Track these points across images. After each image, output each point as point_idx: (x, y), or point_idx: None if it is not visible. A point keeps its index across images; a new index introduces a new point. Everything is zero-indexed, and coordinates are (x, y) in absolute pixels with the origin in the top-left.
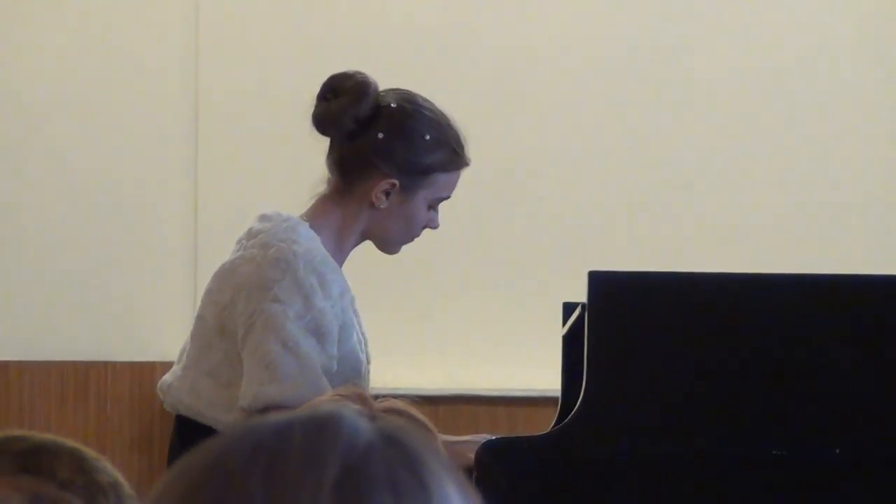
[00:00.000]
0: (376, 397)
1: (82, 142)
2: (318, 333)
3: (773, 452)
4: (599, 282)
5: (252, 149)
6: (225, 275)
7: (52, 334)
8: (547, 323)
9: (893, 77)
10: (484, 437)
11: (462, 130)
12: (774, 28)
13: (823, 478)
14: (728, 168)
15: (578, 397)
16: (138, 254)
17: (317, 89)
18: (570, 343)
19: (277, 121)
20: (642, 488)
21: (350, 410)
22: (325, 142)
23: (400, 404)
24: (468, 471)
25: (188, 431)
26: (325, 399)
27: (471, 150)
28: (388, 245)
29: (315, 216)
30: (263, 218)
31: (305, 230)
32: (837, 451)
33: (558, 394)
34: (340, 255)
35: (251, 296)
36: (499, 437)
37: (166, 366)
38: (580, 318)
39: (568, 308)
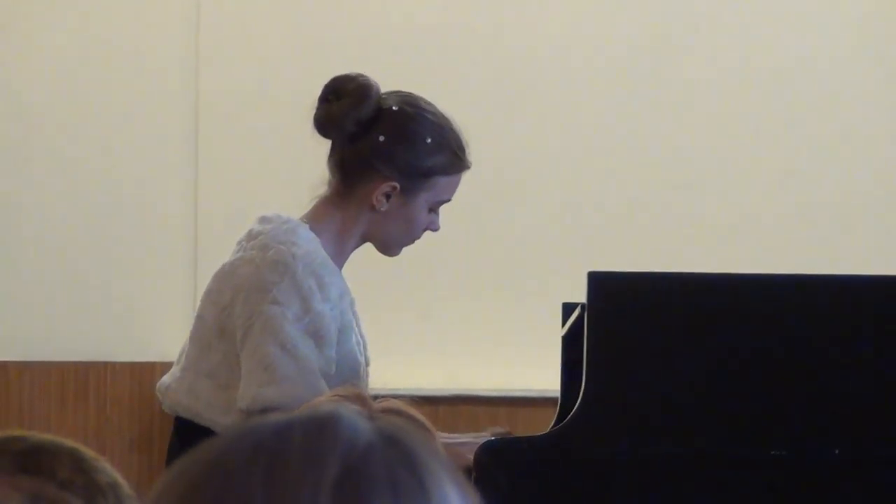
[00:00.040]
0: (375, 397)
1: (82, 142)
2: (317, 336)
3: (773, 452)
4: (599, 282)
5: (252, 149)
6: (224, 276)
7: (51, 334)
8: (547, 323)
9: (893, 77)
10: (483, 437)
11: (463, 133)
12: (774, 28)
13: (823, 478)
14: (728, 168)
15: (578, 397)
16: (138, 254)
17: (317, 90)
18: (570, 343)
19: (277, 121)
20: (642, 488)
21: (349, 411)
22: (325, 143)
23: (399, 404)
24: (467, 471)
25: (187, 433)
26: (325, 399)
27: (471, 151)
28: (389, 247)
29: (315, 218)
30: (263, 220)
31: (305, 232)
32: (837, 451)
33: (558, 394)
34: (341, 257)
35: (250, 297)
36: (498, 436)
37: (166, 366)
38: (580, 318)
39: (567, 308)
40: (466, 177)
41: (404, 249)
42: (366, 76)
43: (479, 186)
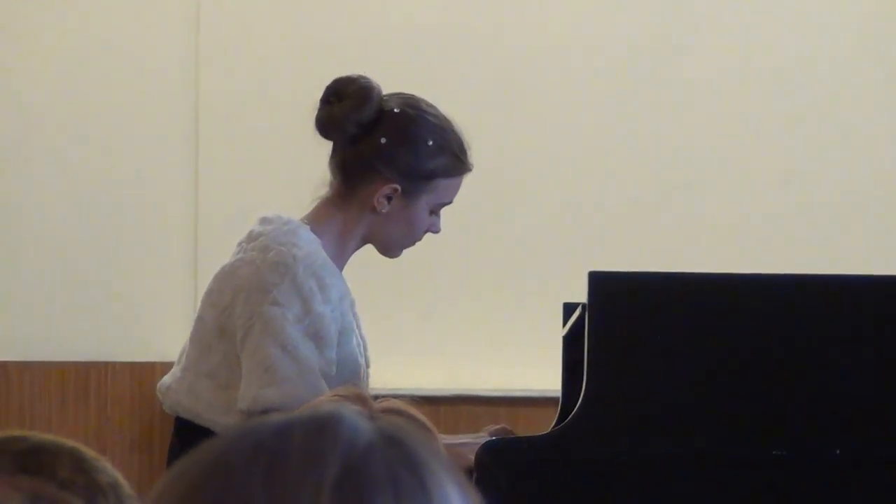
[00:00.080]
0: (376, 397)
1: (82, 142)
2: (317, 338)
3: (774, 452)
4: (600, 282)
5: (252, 150)
6: (225, 277)
7: (52, 335)
8: (547, 323)
9: (893, 77)
10: (483, 437)
11: (465, 135)
12: (774, 28)
13: (823, 478)
14: (728, 168)
15: (579, 397)
16: (139, 254)
17: (317, 90)
18: (571, 343)
19: (278, 122)
20: (642, 488)
21: (350, 411)
22: (325, 143)
23: (399, 404)
24: (468, 471)
25: (188, 433)
26: (325, 399)
27: (472, 153)
28: (390, 249)
29: (316, 219)
30: (264, 220)
31: (306, 234)
32: (837, 451)
33: (559, 394)
34: (341, 258)
35: (250, 298)
36: (498, 436)
37: (166, 366)
38: (580, 318)
39: (568, 308)
40: (467, 177)
41: (405, 250)
42: (367, 78)
43: (479, 186)
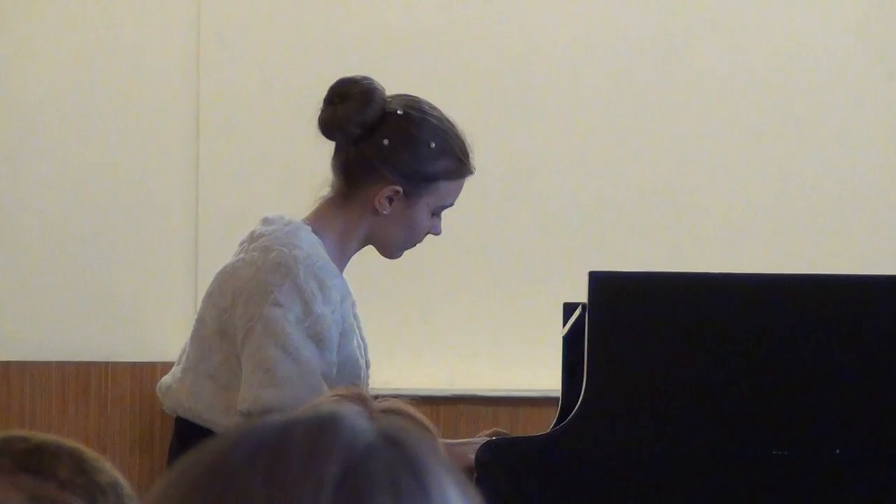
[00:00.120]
0: (376, 397)
1: (83, 142)
2: (318, 339)
3: (774, 452)
4: (600, 282)
5: (253, 150)
6: (226, 277)
7: (52, 335)
8: (547, 323)
9: (893, 77)
10: (483, 437)
11: (468, 138)
12: (774, 28)
13: (824, 477)
14: (728, 168)
15: (579, 398)
16: (139, 254)
17: (318, 90)
18: (571, 343)
19: (278, 122)
20: (642, 488)
21: (350, 411)
22: (325, 144)
23: (400, 404)
24: (469, 471)
25: (188, 433)
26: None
27: (474, 154)
28: (390, 251)
29: (318, 220)
30: (266, 221)
31: (307, 235)
32: (838, 450)
33: (559, 394)
34: (342, 259)
35: (251, 300)
36: (499, 437)
37: (167, 366)
38: (581, 318)
39: (568, 308)
40: (468, 177)
41: (405, 252)
42: (371, 79)
43: (479, 186)
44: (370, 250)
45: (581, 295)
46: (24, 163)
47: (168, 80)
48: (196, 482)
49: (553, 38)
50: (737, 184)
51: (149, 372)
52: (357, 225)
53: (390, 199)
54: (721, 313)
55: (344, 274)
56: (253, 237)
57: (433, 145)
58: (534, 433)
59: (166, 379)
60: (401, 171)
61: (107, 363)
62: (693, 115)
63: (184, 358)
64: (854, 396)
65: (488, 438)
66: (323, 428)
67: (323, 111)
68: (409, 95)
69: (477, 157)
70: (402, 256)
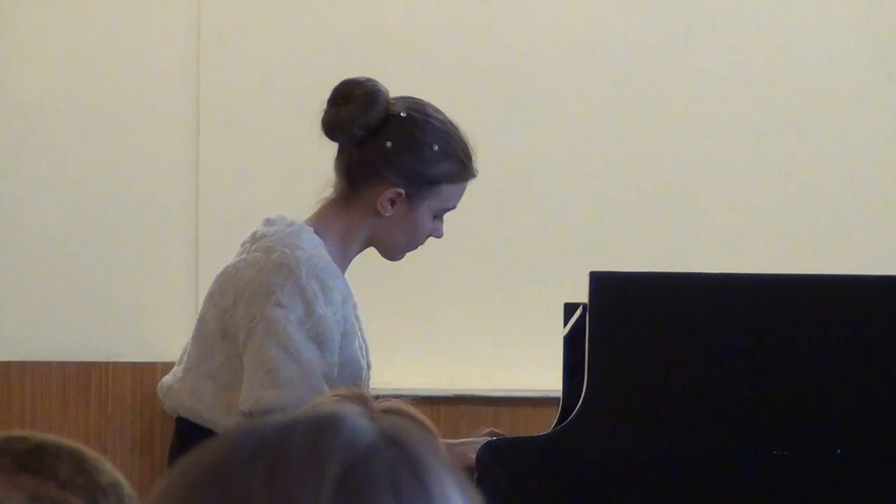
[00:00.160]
0: (377, 398)
1: (83, 142)
2: (319, 340)
3: (774, 452)
4: (601, 282)
5: (253, 150)
6: (227, 278)
7: (53, 335)
8: (548, 323)
9: (893, 77)
10: (484, 437)
11: (471, 141)
12: (775, 28)
13: (824, 477)
14: (729, 169)
15: (579, 398)
16: (139, 254)
17: (318, 90)
18: (572, 343)
19: (278, 122)
20: (643, 488)
21: (351, 411)
22: (326, 144)
23: (400, 404)
24: (469, 471)
25: (189, 433)
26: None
27: (476, 157)
28: (392, 252)
29: (320, 221)
30: (268, 222)
31: (309, 236)
32: (838, 450)
33: (559, 394)
34: (344, 260)
35: (253, 300)
36: (500, 437)
37: (167, 366)
38: (581, 318)
39: (569, 308)
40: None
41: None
42: (375, 81)
43: (480, 187)
44: (372, 251)
45: (582, 295)
46: (24, 163)
47: (168, 80)
48: (197, 482)
49: (553, 37)
50: (737, 184)
51: (149, 372)
52: (359, 226)
53: (392, 202)
54: (721, 313)
55: (345, 274)
56: (255, 238)
57: (436, 148)
58: (535, 433)
59: (167, 379)
60: (403, 173)
61: (107, 363)
62: (693, 115)
63: (185, 358)
64: (854, 396)
65: (489, 438)
66: (323, 428)
67: (326, 112)
68: (413, 98)
69: (479, 158)
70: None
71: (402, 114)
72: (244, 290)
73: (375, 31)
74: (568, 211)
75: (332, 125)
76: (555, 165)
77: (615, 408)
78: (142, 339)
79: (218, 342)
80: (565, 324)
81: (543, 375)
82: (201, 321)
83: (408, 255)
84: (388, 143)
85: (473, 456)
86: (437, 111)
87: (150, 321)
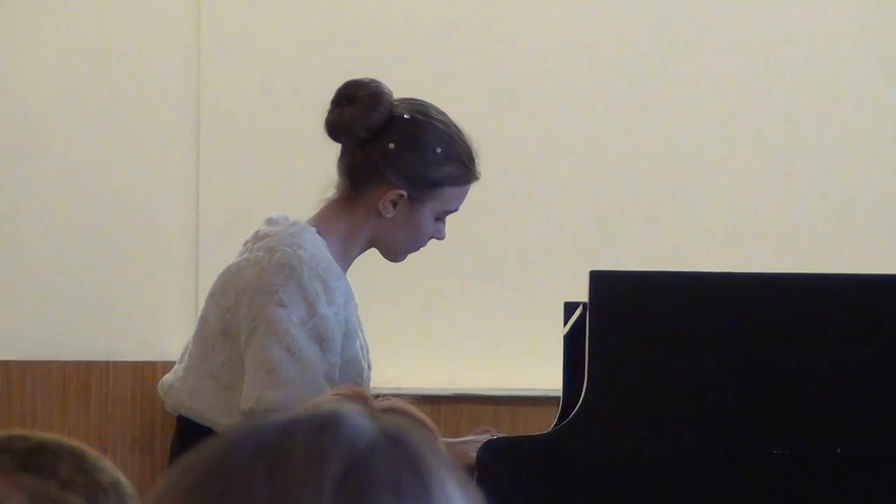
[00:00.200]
0: (377, 396)
1: (83, 142)
2: (321, 340)
3: (775, 451)
4: (601, 281)
5: (253, 150)
6: (230, 277)
7: (53, 334)
8: (548, 323)
9: (893, 77)
10: (485, 436)
11: (474, 144)
12: (775, 29)
13: (825, 477)
14: (729, 169)
15: (580, 397)
16: (140, 254)
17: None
18: (572, 343)
19: (279, 122)
20: (643, 487)
21: (352, 410)
22: (326, 143)
23: (401, 403)
24: (469, 470)
25: (189, 432)
26: (326, 398)
27: (479, 160)
28: (393, 254)
29: (322, 221)
30: (270, 221)
31: (312, 236)
32: (839, 450)
33: (560, 393)
34: (345, 261)
35: (255, 299)
36: (500, 436)
37: (168, 365)
38: (581, 317)
39: (569, 308)
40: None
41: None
42: (379, 82)
43: (481, 186)
44: (373, 250)
45: (582, 294)
46: (24, 163)
47: (168, 79)
48: (197, 481)
49: (553, 37)
50: (737, 184)
51: (150, 371)
52: (361, 228)
53: (395, 203)
54: (722, 313)
55: (346, 274)
56: (257, 237)
57: (439, 150)
58: (535, 433)
59: (168, 377)
60: (406, 175)
61: (108, 362)
62: (694, 116)
63: (186, 357)
64: (854, 396)
65: (489, 437)
66: (324, 427)
67: (330, 113)
68: (417, 100)
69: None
70: None
71: (405, 116)
72: (246, 290)
73: (376, 31)
74: (568, 210)
75: (336, 126)
76: (555, 165)
77: (615, 407)
78: (142, 339)
79: (219, 341)
80: (565, 323)
81: (543, 375)
82: (203, 320)
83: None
84: (391, 145)
85: (474, 455)
86: (441, 113)
87: (151, 320)
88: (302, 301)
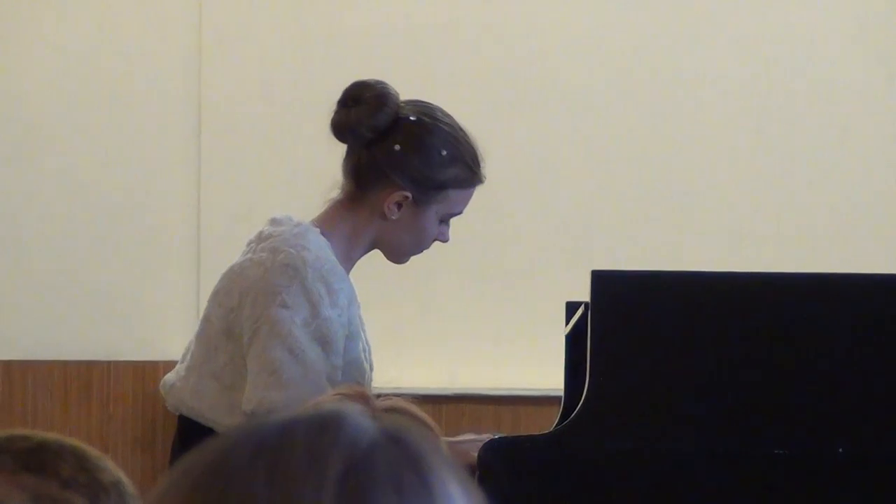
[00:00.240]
0: (378, 396)
1: (84, 142)
2: (324, 342)
3: (776, 451)
4: (602, 281)
5: (254, 150)
6: (233, 277)
7: (55, 334)
8: (550, 322)
9: (893, 77)
10: (486, 436)
11: (480, 147)
12: (775, 28)
13: (826, 476)
14: (729, 168)
15: (581, 396)
16: (141, 253)
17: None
18: (573, 342)
19: (280, 122)
20: (644, 487)
21: (353, 409)
22: (328, 144)
23: (402, 403)
24: (471, 470)
25: (190, 432)
26: (327, 398)
27: (485, 163)
28: (397, 256)
29: (326, 221)
30: (274, 222)
31: (315, 237)
32: (840, 449)
33: (561, 393)
34: (349, 262)
35: (258, 300)
36: (501, 435)
37: (169, 365)
38: (583, 317)
39: (571, 307)
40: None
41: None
42: (385, 84)
43: (483, 186)
44: (375, 251)
45: (584, 294)
46: (25, 163)
47: (169, 80)
48: (198, 481)
49: (554, 37)
50: (737, 184)
51: (151, 371)
52: (365, 229)
53: (399, 205)
54: (723, 312)
55: (348, 274)
56: (261, 237)
57: (444, 153)
58: (536, 432)
59: (170, 376)
60: (411, 177)
61: (109, 362)
62: (694, 116)
63: (188, 356)
64: (855, 396)
65: (490, 436)
66: (325, 426)
67: (336, 113)
68: (423, 102)
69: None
70: None
71: (411, 117)
72: (249, 290)
73: (376, 32)
74: (570, 209)
75: (341, 126)
76: (556, 164)
77: (617, 406)
78: (143, 338)
79: (222, 341)
80: (567, 322)
81: (545, 374)
82: (205, 320)
83: None
84: (397, 147)
85: (475, 454)
86: (447, 116)
87: (152, 320)
88: (305, 302)
